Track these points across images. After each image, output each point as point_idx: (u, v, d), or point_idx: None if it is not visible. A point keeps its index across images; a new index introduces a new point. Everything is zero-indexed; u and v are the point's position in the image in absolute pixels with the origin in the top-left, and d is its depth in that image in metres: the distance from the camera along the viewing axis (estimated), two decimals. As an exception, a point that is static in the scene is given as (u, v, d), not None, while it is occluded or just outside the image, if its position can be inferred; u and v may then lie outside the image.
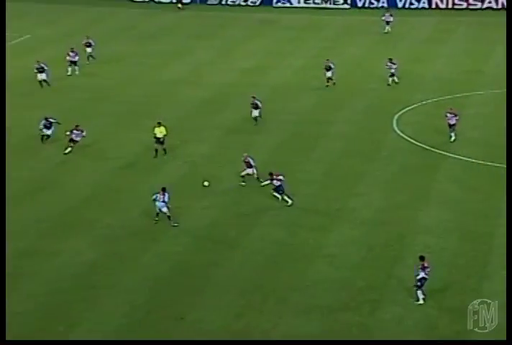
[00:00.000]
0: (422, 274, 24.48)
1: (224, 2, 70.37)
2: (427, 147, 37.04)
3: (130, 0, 71.43)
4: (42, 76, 43.44)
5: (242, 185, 33.17)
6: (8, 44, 55.45)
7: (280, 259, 27.53)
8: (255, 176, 33.22)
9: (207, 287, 25.86)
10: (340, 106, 43.11)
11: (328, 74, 45.46)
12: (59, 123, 37.13)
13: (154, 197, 29.74)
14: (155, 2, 70.42)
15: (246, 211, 31.15)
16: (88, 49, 50.66)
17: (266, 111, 41.38)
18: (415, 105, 42.94)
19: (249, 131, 39.67)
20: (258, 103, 39.64)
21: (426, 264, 24.57)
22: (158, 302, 25.00)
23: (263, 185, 31.85)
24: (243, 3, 69.94)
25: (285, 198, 31.40)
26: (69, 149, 35.93)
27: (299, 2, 68.32)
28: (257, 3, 69.57)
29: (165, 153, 36.09)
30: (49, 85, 44.88)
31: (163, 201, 29.60)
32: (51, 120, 36.84)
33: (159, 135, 35.97)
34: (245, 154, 33.47)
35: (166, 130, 36.26)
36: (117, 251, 28.07)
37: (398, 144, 37.74)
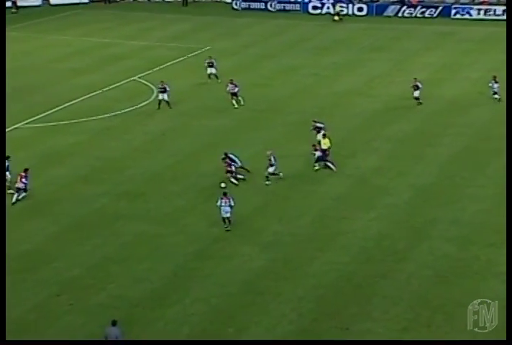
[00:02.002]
0: None
1: (400, 14, 69.85)
2: None
3: (308, 13, 72.43)
4: (162, 95, 44.47)
5: (267, 185, 33.89)
6: (189, 55, 57.43)
7: (450, 274, 26.91)
8: (269, 173, 34.02)
9: (374, 298, 25.63)
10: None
11: (416, 94, 43.97)
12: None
13: (218, 203, 29.97)
14: (331, 14, 70.87)
15: (415, 224, 30.69)
16: (211, 70, 50.44)
17: (439, 123, 40.59)
18: None
19: (421, 143, 39.06)
20: None
21: None
22: (324, 311, 25.01)
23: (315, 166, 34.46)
24: (420, 15, 69.16)
25: (329, 164, 34.93)
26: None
27: (479, 14, 66.74)
28: (435, 15, 68.58)
29: (332, 164, 36.10)
30: (169, 105, 44.77)
31: (229, 206, 29.83)
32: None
33: (324, 147, 36.08)
34: (269, 152, 33.97)
35: (330, 142, 36.26)
36: (286, 259, 28.32)
37: None
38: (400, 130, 40.89)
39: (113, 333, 22.31)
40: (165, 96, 44.38)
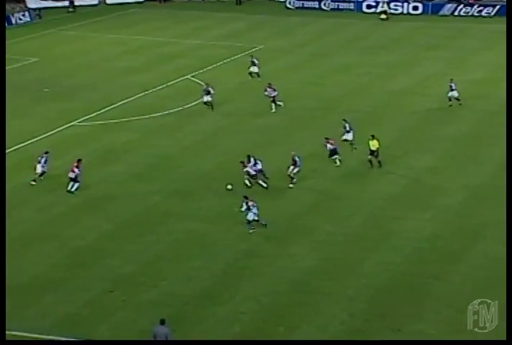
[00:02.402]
0: None
1: (456, 13, 69.05)
2: None
3: (362, 12, 72.01)
4: (207, 98, 44.27)
5: (291, 187, 33.56)
6: (242, 54, 57.50)
7: (504, 276, 26.42)
8: (292, 173, 33.70)
9: (427, 299, 25.31)
10: None
11: (453, 94, 43.24)
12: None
13: (244, 208, 29.67)
14: (386, 14, 70.30)
15: (469, 225, 30.25)
16: (253, 68, 50.44)
17: (495, 123, 39.97)
18: None
19: (476, 143, 38.51)
20: None
21: None
22: (376, 311, 24.76)
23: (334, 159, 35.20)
24: (476, 14, 68.26)
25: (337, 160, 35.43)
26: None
27: (536, 12, 65.61)
28: (492, 14, 67.63)
29: (380, 166, 35.73)
30: (212, 107, 44.41)
31: (254, 206, 29.65)
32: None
33: (372, 148, 35.77)
34: (293, 153, 33.96)
35: (379, 143, 35.87)
36: (337, 258, 28.13)
37: None
38: (456, 130, 40.38)
39: (162, 331, 22.32)
40: (209, 98, 44.23)
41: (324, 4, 74.64)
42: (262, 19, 70.99)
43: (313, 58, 56.65)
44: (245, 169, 33.76)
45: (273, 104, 44.00)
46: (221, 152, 38.33)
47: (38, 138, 39.68)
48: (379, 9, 70.66)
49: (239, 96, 47.39)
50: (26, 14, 69.99)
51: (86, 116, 43.51)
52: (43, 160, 34.46)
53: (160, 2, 79.62)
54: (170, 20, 71.31)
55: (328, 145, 35.89)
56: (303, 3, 75.58)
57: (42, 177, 34.48)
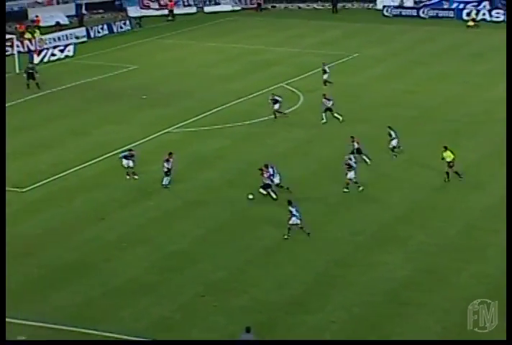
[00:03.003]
0: None
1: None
2: None
3: (462, 19, 70.84)
4: (276, 106, 43.88)
5: (345, 192, 33.44)
6: (337, 61, 57.25)
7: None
8: (349, 179, 33.70)
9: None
10: None
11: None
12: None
13: (294, 211, 29.37)
14: (487, 21, 69.01)
15: None
16: (324, 76, 50.21)
17: None
18: None
19: None
20: None
21: None
22: (470, 324, 24.15)
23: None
24: None
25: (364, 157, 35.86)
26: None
27: None
28: None
29: (460, 176, 34.80)
30: (277, 114, 43.93)
31: (298, 211, 29.35)
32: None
33: (448, 159, 34.94)
34: (346, 157, 33.93)
35: (453, 154, 34.93)
36: (431, 269, 27.54)
37: None
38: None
39: (248, 340, 22.18)
40: (276, 106, 43.91)
41: (423, 12, 73.68)
42: (358, 27, 70.57)
43: (410, 66, 55.94)
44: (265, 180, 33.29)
45: (324, 114, 43.37)
46: (313, 160, 38.13)
47: (134, 144, 40.26)
48: (467, 16, 69.49)
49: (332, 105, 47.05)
50: (127, 22, 71.34)
51: (182, 122, 43.95)
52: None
53: (257, 10, 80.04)
54: (266, 28, 71.57)
55: (355, 143, 36.44)
56: (400, 11, 74.82)
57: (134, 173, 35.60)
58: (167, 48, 64.03)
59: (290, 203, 30.11)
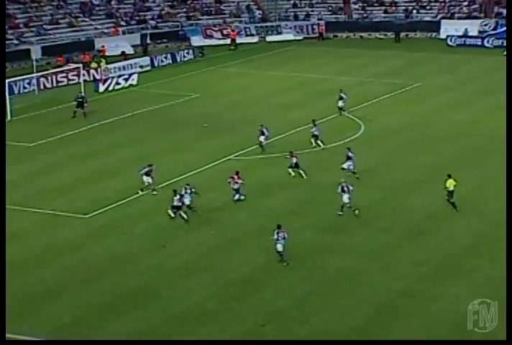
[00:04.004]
0: None
1: None
2: None
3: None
4: (261, 138, 43.64)
5: (340, 215, 33.76)
6: (399, 91, 57.04)
7: None
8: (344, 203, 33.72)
9: None
10: None
11: None
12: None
13: (275, 236, 29.44)
14: None
15: None
16: (340, 103, 50.22)
17: None
18: None
19: None
20: None
21: None
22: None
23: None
24: None
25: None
26: None
27: None
28: None
29: (455, 208, 34.53)
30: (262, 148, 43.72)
31: (284, 238, 29.44)
32: None
33: (450, 188, 34.57)
34: (342, 179, 34.56)
35: (456, 181, 34.71)
36: (497, 303, 26.95)
37: None
38: None
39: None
40: (262, 138, 43.48)
41: (487, 41, 73.08)
42: (421, 57, 70.29)
43: (475, 96, 55.44)
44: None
45: (313, 139, 43.86)
46: (377, 188, 37.89)
47: (195, 171, 40.55)
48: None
49: (395, 132, 46.87)
50: (190, 51, 72.29)
51: (242, 150, 44.14)
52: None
53: (319, 40, 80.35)
54: (327, 57, 71.75)
55: (293, 158, 39.07)
56: (464, 40, 74.35)
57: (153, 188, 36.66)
58: (229, 77, 64.61)
59: (279, 227, 30.07)
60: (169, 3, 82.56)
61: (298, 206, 36.08)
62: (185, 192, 34.52)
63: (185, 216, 34.05)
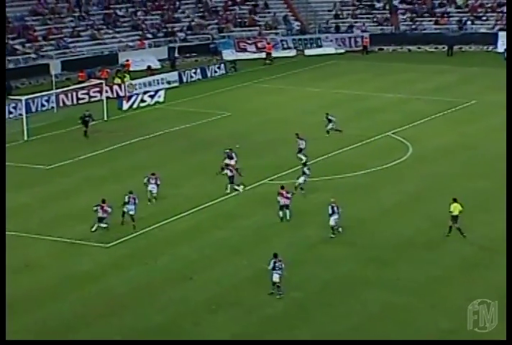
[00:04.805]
0: None
1: None
2: None
3: None
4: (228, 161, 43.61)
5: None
6: (451, 109, 56.87)
7: None
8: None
9: None
10: None
11: None
12: None
13: (270, 266, 29.63)
14: None
15: None
16: (330, 125, 51.13)
17: None
18: None
19: None
20: None
21: None
22: None
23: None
24: None
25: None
26: None
27: None
28: None
29: (462, 234, 34.80)
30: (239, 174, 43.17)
31: (281, 268, 29.61)
32: None
33: (455, 213, 34.85)
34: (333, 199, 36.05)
35: (462, 206, 34.87)
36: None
37: None
38: None
39: None
40: (232, 162, 43.41)
41: (548, 55, 72.62)
42: (476, 72, 70.11)
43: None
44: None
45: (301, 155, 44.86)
46: (423, 217, 37.72)
47: (224, 197, 40.70)
48: None
49: (445, 155, 46.71)
50: (222, 66, 72.71)
51: (277, 173, 44.21)
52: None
53: (362, 53, 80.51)
54: (371, 72, 71.84)
55: (228, 171, 40.82)
56: (523, 54, 73.94)
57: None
58: (263, 93, 64.92)
59: (275, 256, 30.16)
60: (199, 14, 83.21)
61: (337, 235, 35.97)
62: (129, 201, 36.57)
63: (104, 226, 36.08)
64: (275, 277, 30.05)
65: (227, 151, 44.19)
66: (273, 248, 34.34)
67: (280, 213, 37.18)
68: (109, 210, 36.25)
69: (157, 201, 40.00)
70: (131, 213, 36.58)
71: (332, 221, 35.46)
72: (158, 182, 39.87)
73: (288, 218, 37.27)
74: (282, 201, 37.14)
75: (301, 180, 40.77)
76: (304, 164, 42.41)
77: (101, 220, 36.22)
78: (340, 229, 35.72)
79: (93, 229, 36.22)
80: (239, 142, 49.65)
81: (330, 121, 51.50)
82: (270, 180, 43.49)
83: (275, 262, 30.17)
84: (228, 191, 40.92)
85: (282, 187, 37.64)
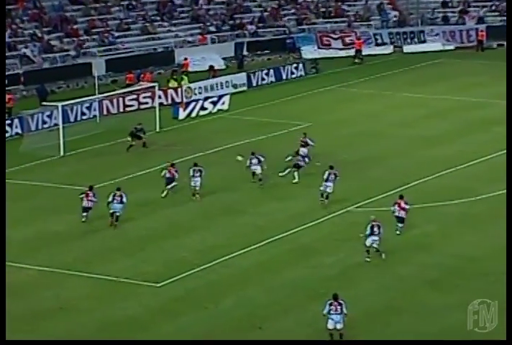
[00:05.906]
0: None
1: None
2: None
3: None
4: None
5: None
6: None
7: None
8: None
9: None
10: None
11: None
12: None
13: (326, 310, 29.91)
14: None
15: None
16: (303, 149, 48.51)
17: None
18: None
19: None
20: None
21: None
22: None
23: None
24: None
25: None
26: None
27: None
28: None
29: None
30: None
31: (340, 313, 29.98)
32: None
33: None
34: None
35: None
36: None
37: None
38: None
39: None
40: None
41: None
42: None
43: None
44: None
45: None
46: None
47: (303, 226, 40.82)
48: None
49: None
50: (300, 66, 72.90)
51: (366, 199, 44.19)
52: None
53: (477, 50, 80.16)
54: (488, 74, 71.45)
55: (167, 173, 44.08)
56: None
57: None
58: (350, 100, 65.00)
59: (335, 298, 30.22)
60: (274, 2, 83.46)
61: (441, 277, 35.82)
62: (113, 200, 40.39)
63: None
64: (330, 324, 30.22)
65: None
66: (363, 291, 34.42)
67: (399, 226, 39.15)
68: (94, 199, 40.74)
69: (220, 231, 40.31)
70: (117, 214, 40.41)
71: (369, 242, 36.29)
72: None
73: (397, 232, 39.26)
74: (398, 212, 39.22)
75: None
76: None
77: (85, 210, 40.78)
78: (383, 255, 36.72)
79: (83, 219, 41.07)
80: (319, 160, 49.77)
81: (306, 144, 49.28)
82: (356, 207, 43.49)
83: (330, 305, 30.23)
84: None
85: (401, 197, 39.53)
